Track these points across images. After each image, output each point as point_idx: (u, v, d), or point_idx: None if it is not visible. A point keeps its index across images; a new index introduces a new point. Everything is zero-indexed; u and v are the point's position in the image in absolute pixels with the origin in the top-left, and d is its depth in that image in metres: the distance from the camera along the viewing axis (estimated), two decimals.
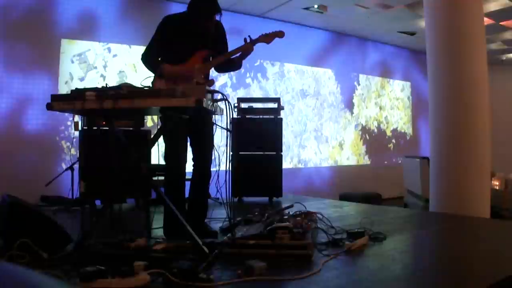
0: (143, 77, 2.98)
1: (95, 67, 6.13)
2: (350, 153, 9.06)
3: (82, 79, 6.00)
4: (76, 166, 4.72)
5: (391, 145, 9.95)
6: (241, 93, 7.38)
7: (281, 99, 5.75)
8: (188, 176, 3.18)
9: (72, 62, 5.96)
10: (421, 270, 2.34)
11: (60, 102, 2.47)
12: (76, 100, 2.43)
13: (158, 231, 3.11)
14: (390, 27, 8.50)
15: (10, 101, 5.47)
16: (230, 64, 3.22)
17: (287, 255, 2.40)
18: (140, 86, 2.71)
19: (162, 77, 2.94)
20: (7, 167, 5.24)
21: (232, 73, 7.25)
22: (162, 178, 3.17)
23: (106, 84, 2.70)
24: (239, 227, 2.94)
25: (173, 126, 2.90)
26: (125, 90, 2.42)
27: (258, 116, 5.52)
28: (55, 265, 2.20)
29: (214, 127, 3.13)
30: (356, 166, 9.14)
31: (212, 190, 3.21)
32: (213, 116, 3.11)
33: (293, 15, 7.67)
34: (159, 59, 3.08)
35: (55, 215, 3.88)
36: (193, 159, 3.17)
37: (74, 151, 5.34)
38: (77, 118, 4.82)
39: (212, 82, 3.10)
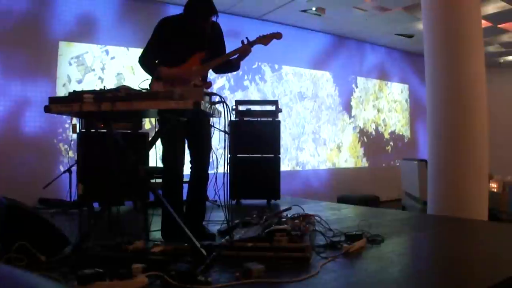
0: (141, 80, 2.98)
1: (93, 70, 6.13)
2: (348, 156, 9.07)
3: (80, 82, 6.00)
4: (74, 168, 4.72)
5: (389, 148, 9.96)
6: (239, 96, 7.39)
7: (279, 101, 5.77)
8: (186, 179, 3.18)
9: (70, 64, 5.96)
10: (419, 272, 2.35)
11: (58, 105, 2.46)
12: (74, 103, 2.43)
13: (156, 234, 3.11)
14: (388, 30, 8.52)
15: (8, 103, 5.46)
16: (228, 65, 3.22)
17: (285, 258, 2.40)
18: (138, 88, 2.71)
19: (160, 80, 2.94)
20: (5, 170, 5.23)
21: (230, 75, 7.26)
22: (160, 180, 3.17)
23: (104, 86, 2.71)
24: (237, 230, 2.94)
25: (171, 128, 2.90)
26: (123, 93, 2.42)
27: (256, 119, 5.53)
28: (53, 268, 2.19)
29: (212, 129, 3.13)
30: (354, 169, 9.15)
31: (210, 193, 3.21)
32: (211, 118, 3.11)
33: (291, 17, 7.68)
34: (157, 61, 3.08)
35: (53, 218, 3.88)
36: (191, 162, 3.17)
37: (72, 154, 5.34)
38: (75, 120, 4.83)
39: (209, 85, 3.10)
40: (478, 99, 4.79)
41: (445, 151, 4.82)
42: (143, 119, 5.46)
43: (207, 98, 2.59)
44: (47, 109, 2.45)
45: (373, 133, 9.62)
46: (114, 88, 2.70)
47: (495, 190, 7.44)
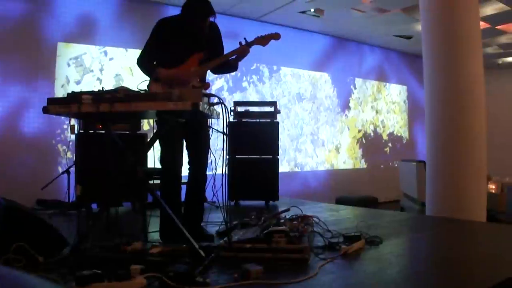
0: (139, 81, 2.98)
1: (92, 71, 6.12)
2: (346, 157, 9.07)
3: (78, 83, 5.99)
4: (72, 169, 4.71)
5: (387, 149, 9.97)
6: (238, 97, 7.38)
7: (277, 102, 5.77)
8: (184, 180, 3.18)
9: (69, 65, 5.95)
10: (417, 274, 2.35)
11: (57, 106, 2.46)
12: (72, 104, 2.43)
13: (154, 235, 3.11)
14: (386, 31, 8.53)
15: (7, 104, 5.46)
16: (226, 66, 3.22)
17: (284, 259, 2.40)
18: (136, 89, 2.71)
19: (158, 81, 2.94)
20: (3, 170, 5.22)
21: (228, 76, 7.26)
22: (158, 181, 3.17)
23: (103, 87, 2.70)
24: (236, 231, 2.94)
25: (169, 129, 2.90)
26: (121, 94, 2.42)
27: (254, 120, 5.53)
28: (51, 269, 2.19)
29: (210, 130, 3.13)
30: (353, 170, 9.15)
31: (209, 194, 3.21)
32: (210, 119, 3.11)
33: (289, 18, 7.69)
34: (155, 62, 3.08)
35: (51, 219, 3.86)
36: (189, 163, 3.17)
37: (70, 155, 5.33)
38: (73, 121, 4.81)
39: (208, 86, 3.10)
40: (477, 101, 4.79)
41: (444, 152, 4.82)
42: (142, 120, 5.46)
43: (205, 99, 2.59)
44: (45, 110, 2.45)
45: (372, 134, 9.63)
46: (112, 89, 2.70)
47: (494, 191, 7.45)
